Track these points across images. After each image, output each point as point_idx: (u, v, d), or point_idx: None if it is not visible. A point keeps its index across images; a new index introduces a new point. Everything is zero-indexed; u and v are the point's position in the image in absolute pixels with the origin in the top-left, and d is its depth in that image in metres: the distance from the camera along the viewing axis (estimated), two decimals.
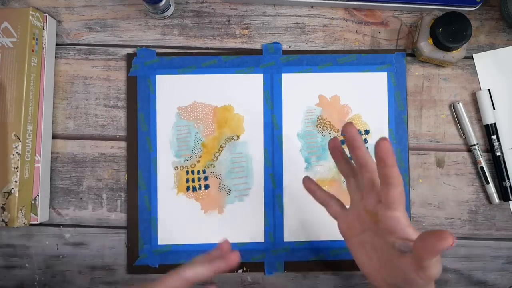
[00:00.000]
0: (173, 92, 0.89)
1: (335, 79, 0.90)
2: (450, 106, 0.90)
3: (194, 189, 0.88)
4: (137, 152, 0.89)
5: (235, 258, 0.68)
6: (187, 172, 0.88)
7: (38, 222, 0.86)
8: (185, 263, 0.68)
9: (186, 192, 0.88)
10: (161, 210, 0.88)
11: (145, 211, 0.88)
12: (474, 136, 0.89)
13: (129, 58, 0.90)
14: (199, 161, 0.89)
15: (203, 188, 0.88)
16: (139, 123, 0.89)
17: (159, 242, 0.88)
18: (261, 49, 0.90)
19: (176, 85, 0.89)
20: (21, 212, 0.82)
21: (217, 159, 0.89)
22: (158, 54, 0.90)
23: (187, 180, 0.88)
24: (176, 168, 0.88)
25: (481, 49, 0.91)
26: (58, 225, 0.90)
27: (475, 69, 0.90)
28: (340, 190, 0.89)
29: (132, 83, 0.89)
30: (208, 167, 0.89)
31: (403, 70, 0.90)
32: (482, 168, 0.89)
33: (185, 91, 0.89)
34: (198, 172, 0.89)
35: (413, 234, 0.62)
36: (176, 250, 0.88)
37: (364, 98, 0.90)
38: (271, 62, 0.89)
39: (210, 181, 0.89)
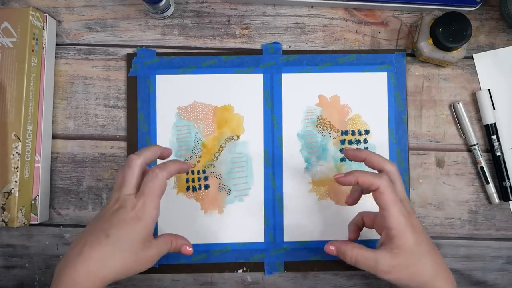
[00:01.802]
0: (173, 92, 0.89)
1: (335, 79, 0.90)
2: (450, 106, 0.90)
3: (194, 189, 0.88)
4: None
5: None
6: (187, 172, 0.88)
7: (38, 222, 0.86)
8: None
9: (186, 192, 0.88)
10: (161, 209, 0.87)
11: None
12: (474, 136, 0.89)
13: (129, 58, 0.90)
14: (199, 161, 0.89)
15: (203, 188, 0.88)
16: (139, 123, 0.89)
17: None
18: (261, 49, 0.90)
19: (176, 85, 0.89)
20: (21, 212, 0.82)
21: (217, 159, 0.89)
22: (158, 54, 0.90)
23: (187, 180, 0.89)
24: None
25: (481, 49, 0.91)
26: (58, 225, 0.90)
27: (475, 69, 0.90)
28: (340, 190, 0.89)
29: (132, 83, 0.90)
30: (208, 167, 0.89)
31: (403, 70, 0.90)
32: (482, 168, 0.89)
33: (185, 91, 0.89)
34: (198, 172, 0.89)
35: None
36: None
37: (364, 98, 0.90)
38: (271, 62, 0.90)
39: (210, 181, 0.89)
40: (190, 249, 0.77)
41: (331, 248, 0.74)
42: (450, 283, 0.72)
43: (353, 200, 0.80)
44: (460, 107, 0.89)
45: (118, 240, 0.68)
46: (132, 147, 0.89)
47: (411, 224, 0.70)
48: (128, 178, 0.72)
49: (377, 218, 0.79)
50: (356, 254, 0.71)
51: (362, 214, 0.82)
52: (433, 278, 0.71)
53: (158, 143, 0.89)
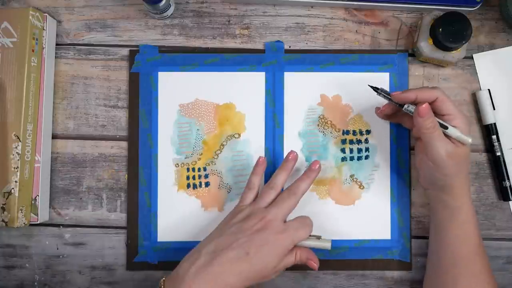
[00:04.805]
0: (175, 89, 0.89)
1: (337, 79, 0.90)
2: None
3: (194, 186, 0.88)
4: (138, 148, 0.89)
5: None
6: (188, 169, 0.88)
7: (38, 222, 0.86)
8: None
9: (186, 189, 0.88)
10: (161, 206, 0.88)
11: (145, 208, 0.88)
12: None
13: (131, 54, 0.90)
14: (200, 158, 0.89)
15: (203, 185, 0.88)
16: (141, 119, 0.89)
17: (159, 239, 0.88)
18: (261, 49, 0.90)
19: (178, 82, 0.89)
20: (21, 212, 0.82)
21: (218, 156, 0.89)
22: (161, 51, 0.90)
23: (188, 177, 0.88)
24: (176, 165, 0.88)
25: (481, 49, 0.91)
26: (58, 225, 0.90)
27: (475, 69, 0.90)
28: (340, 189, 0.89)
29: (134, 80, 0.90)
30: (209, 165, 0.89)
31: (405, 70, 0.90)
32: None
33: (187, 88, 0.89)
34: (199, 169, 0.88)
35: None
36: (175, 247, 0.88)
37: (365, 98, 0.89)
38: (274, 61, 0.89)
39: (211, 179, 0.89)
40: (316, 264, 0.80)
41: (423, 107, 0.75)
42: (469, 194, 0.80)
43: (387, 113, 0.84)
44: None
45: (257, 259, 0.74)
46: (133, 144, 0.89)
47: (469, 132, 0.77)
48: (271, 196, 0.81)
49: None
50: (437, 126, 0.75)
51: (439, 95, 0.78)
52: (464, 184, 0.79)
53: (159, 140, 0.89)
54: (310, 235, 0.79)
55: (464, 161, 0.77)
